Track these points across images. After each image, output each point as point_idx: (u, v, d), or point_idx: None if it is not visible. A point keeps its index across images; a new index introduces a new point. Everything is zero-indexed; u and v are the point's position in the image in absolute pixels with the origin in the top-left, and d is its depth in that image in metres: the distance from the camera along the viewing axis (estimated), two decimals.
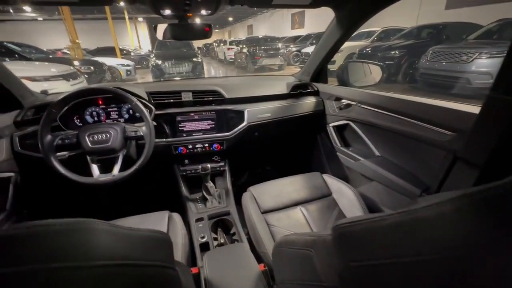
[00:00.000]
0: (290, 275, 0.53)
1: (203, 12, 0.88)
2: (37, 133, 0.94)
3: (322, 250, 0.40)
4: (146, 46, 20.40)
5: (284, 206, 1.08)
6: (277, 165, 1.94)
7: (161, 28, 0.97)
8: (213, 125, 1.29)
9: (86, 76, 5.77)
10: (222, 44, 13.06)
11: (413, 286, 0.24)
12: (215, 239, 1.09)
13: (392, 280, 0.26)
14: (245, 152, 1.60)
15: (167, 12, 0.85)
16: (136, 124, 1.09)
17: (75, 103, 1.09)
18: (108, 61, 7.47)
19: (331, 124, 1.41)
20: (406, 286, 0.25)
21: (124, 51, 11.88)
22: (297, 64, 9.39)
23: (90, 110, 1.17)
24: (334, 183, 1.18)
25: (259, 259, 0.83)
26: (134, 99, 1.03)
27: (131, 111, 1.23)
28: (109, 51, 10.48)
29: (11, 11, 14.56)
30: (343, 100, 1.33)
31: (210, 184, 1.24)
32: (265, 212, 1.05)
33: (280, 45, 9.24)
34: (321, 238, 0.41)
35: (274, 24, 18.61)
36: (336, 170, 1.42)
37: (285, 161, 1.92)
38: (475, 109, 0.76)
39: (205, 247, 1.03)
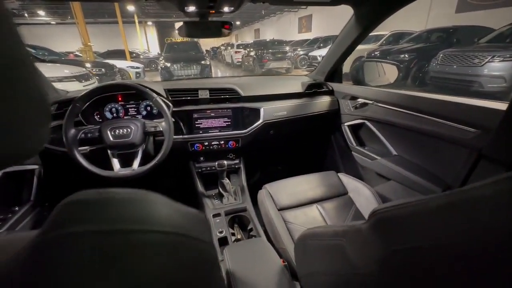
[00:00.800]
0: (316, 266, 0.53)
1: (226, 9, 0.90)
2: (59, 128, 0.97)
3: (357, 238, 0.40)
4: (154, 49, 20.74)
5: (301, 204, 1.08)
6: (290, 164, 1.94)
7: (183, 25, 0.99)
8: (229, 123, 1.30)
9: (97, 77, 5.90)
10: (229, 48, 13.14)
11: (462, 268, 0.24)
12: (233, 234, 1.09)
13: (439, 263, 0.26)
14: (259, 150, 1.60)
15: (191, 9, 0.87)
16: (154, 120, 1.11)
17: (96, 99, 1.12)
18: (118, 63, 7.65)
19: (346, 123, 1.40)
20: (454, 268, 0.25)
21: (134, 54, 12.13)
22: (304, 67, 9.39)
23: (109, 106, 1.20)
24: (350, 182, 1.17)
25: (278, 254, 0.83)
26: (155, 95, 1.05)
27: (149, 108, 1.25)
28: (119, 54, 10.71)
29: (25, 14, 15.02)
30: (359, 99, 1.33)
31: (226, 181, 1.25)
32: (281, 209, 1.05)
33: (287, 48, 9.27)
34: (354, 227, 0.41)
35: (281, 28, 18.71)
36: (350, 169, 1.41)
37: (298, 160, 1.92)
38: (500, 105, 0.75)
39: (223, 241, 1.03)
